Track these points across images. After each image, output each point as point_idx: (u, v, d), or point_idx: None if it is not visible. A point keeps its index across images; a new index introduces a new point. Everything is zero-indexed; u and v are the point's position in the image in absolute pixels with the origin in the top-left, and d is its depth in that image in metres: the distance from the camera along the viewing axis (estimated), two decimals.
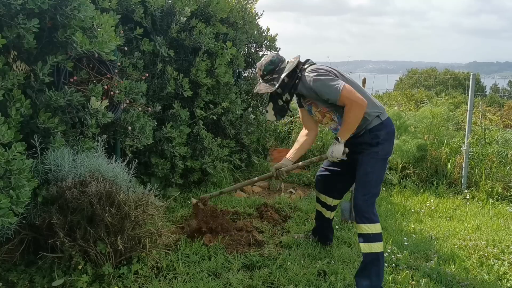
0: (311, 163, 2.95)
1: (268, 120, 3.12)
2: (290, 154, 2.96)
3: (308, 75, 2.59)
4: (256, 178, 3.29)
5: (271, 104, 2.86)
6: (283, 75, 2.66)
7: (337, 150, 2.58)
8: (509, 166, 4.77)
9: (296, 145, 2.96)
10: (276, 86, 2.67)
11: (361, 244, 2.58)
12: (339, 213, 3.79)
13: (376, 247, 2.54)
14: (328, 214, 3.12)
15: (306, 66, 2.68)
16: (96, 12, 2.53)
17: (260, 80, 2.81)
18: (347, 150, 2.61)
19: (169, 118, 3.87)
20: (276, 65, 2.71)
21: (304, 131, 2.98)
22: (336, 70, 2.66)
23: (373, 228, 2.54)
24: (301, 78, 2.63)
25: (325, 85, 2.52)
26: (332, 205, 3.08)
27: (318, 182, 3.11)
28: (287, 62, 2.73)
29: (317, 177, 3.11)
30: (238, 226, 3.38)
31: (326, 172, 3.02)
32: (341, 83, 2.48)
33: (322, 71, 2.58)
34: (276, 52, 2.72)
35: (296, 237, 3.27)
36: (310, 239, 3.23)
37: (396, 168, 5.09)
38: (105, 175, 2.52)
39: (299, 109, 2.97)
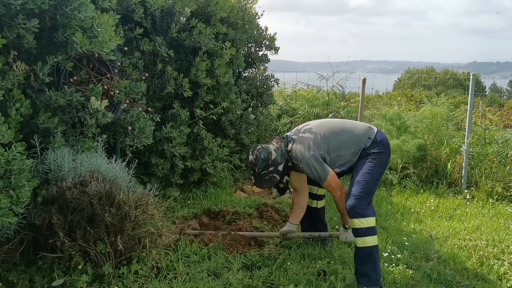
0: (318, 236, 3.17)
1: (273, 197, 3.55)
2: (292, 218, 3.08)
3: (299, 158, 2.72)
4: (261, 234, 3.29)
5: (275, 189, 3.15)
6: (280, 168, 2.79)
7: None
8: (509, 166, 4.77)
9: (295, 208, 3.07)
10: (278, 178, 2.82)
11: (356, 239, 2.64)
12: None
13: (370, 241, 2.59)
14: (315, 204, 3.17)
15: (290, 145, 2.79)
16: (96, 12, 2.53)
17: (256, 175, 2.88)
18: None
19: (169, 118, 3.87)
20: (267, 159, 2.79)
21: (297, 193, 3.04)
22: (316, 135, 2.74)
23: (365, 222, 2.59)
24: (291, 158, 2.78)
25: (314, 170, 2.69)
26: (317, 194, 3.15)
27: None
28: (274, 150, 2.81)
29: None
30: (238, 227, 3.38)
31: None
32: (327, 171, 2.68)
33: (310, 156, 2.68)
34: (261, 147, 2.83)
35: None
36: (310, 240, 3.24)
37: (396, 168, 5.08)
38: (105, 175, 2.52)
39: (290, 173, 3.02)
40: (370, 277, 2.55)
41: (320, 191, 3.14)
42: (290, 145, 2.80)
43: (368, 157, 2.71)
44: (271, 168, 2.79)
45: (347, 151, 2.74)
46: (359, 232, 2.60)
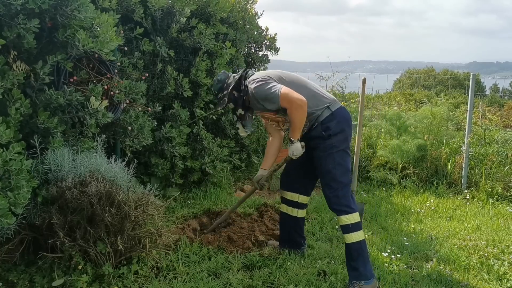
0: (279, 166, 3.05)
1: (241, 135, 3.16)
2: (264, 164, 3.06)
3: (250, 86, 2.73)
4: (242, 197, 3.33)
5: (240, 126, 2.96)
6: (229, 89, 2.78)
7: (296, 149, 2.68)
8: (509, 166, 4.77)
9: (266, 154, 3.06)
10: (226, 102, 2.78)
11: (344, 235, 2.69)
12: None
13: (357, 236, 2.64)
14: (295, 212, 2.97)
15: (249, 77, 2.79)
16: (96, 12, 2.53)
17: (215, 96, 2.95)
18: (303, 143, 2.71)
19: (169, 118, 3.86)
20: (223, 82, 2.84)
21: (270, 139, 3.05)
22: (276, 73, 2.75)
23: (351, 218, 2.64)
24: (247, 91, 2.76)
25: (265, 92, 2.64)
26: (299, 202, 2.96)
27: (282, 180, 3.04)
28: (233, 76, 2.85)
29: (281, 176, 3.07)
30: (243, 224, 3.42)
31: (289, 170, 2.99)
32: (278, 87, 2.60)
33: (259, 79, 2.69)
34: (223, 71, 2.94)
35: (270, 245, 3.12)
36: (281, 250, 3.03)
37: (396, 168, 5.09)
38: (105, 175, 2.52)
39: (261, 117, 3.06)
40: (360, 271, 2.60)
41: (302, 199, 2.96)
42: (250, 76, 2.80)
43: (326, 143, 2.65)
44: (224, 92, 2.81)
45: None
46: (346, 229, 2.65)
